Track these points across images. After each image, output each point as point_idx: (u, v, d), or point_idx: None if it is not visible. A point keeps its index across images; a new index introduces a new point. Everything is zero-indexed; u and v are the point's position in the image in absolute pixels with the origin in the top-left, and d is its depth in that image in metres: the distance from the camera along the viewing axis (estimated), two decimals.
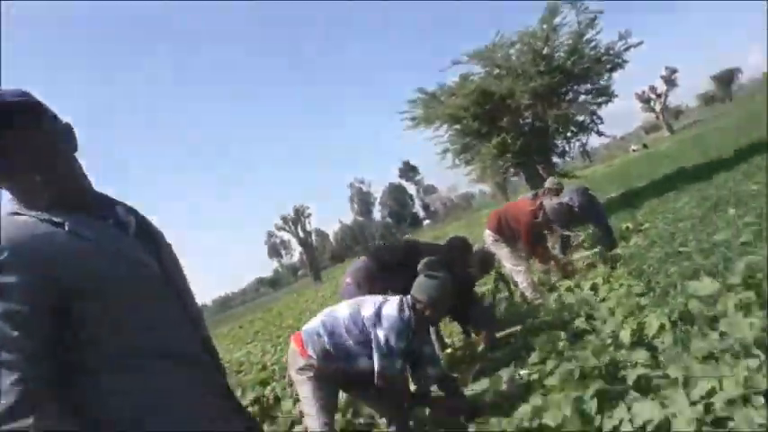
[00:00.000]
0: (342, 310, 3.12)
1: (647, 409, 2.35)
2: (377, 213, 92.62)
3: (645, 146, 50.16)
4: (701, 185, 8.70)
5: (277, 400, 5.86)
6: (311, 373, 2.99)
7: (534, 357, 3.71)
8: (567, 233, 6.89)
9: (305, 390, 2.98)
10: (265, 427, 4.88)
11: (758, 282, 3.50)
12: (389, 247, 4.74)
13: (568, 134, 13.85)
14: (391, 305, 3.06)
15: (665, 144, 33.91)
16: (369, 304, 3.11)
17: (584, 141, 14.27)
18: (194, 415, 1.33)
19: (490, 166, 13.40)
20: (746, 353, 2.75)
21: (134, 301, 1.30)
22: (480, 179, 14.30)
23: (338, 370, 3.06)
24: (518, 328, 4.83)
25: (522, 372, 3.56)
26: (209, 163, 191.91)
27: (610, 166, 35.98)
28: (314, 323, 3.12)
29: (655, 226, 7.11)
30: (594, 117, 13.95)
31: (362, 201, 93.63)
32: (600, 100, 14.06)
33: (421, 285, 3.14)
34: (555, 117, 13.10)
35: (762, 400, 2.26)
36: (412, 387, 3.45)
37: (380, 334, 2.97)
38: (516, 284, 6.26)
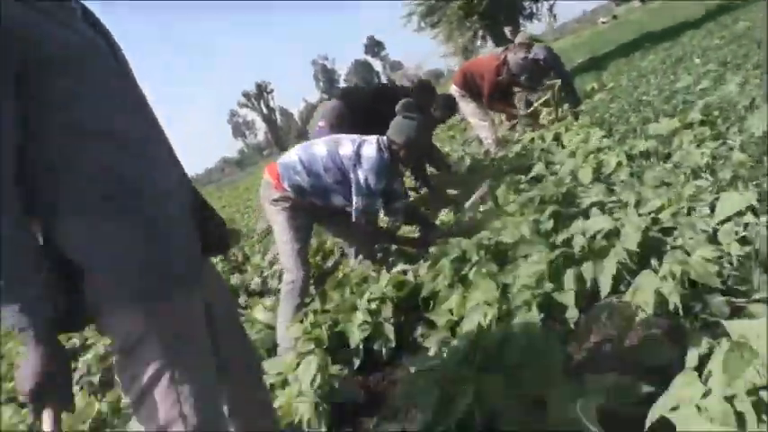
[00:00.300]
0: (319, 148, 3.11)
1: (599, 222, 2.46)
2: None
3: (614, 17, 49.00)
4: (667, 44, 8.66)
5: (246, 257, 6.02)
6: (287, 204, 3.03)
7: (498, 196, 3.81)
8: (530, 93, 6.83)
9: (279, 219, 3.04)
10: (235, 277, 5.04)
11: (713, 119, 3.59)
12: (361, 88, 4.65)
13: None
14: (370, 146, 3.08)
15: (636, 14, 33.16)
16: (346, 143, 3.11)
17: (551, 2, 13.87)
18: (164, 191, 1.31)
19: (456, 27, 12.98)
20: (696, 176, 2.88)
21: (95, 75, 1.20)
22: (448, 39, 13.83)
23: (313, 204, 3.12)
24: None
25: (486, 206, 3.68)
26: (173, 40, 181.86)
27: (579, 37, 35.27)
28: (291, 158, 3.11)
29: (619, 84, 7.13)
30: None
31: (327, 78, 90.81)
32: None
33: (398, 126, 3.16)
34: None
35: (707, 209, 2.38)
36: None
37: (361, 174, 3.02)
38: (480, 140, 6.31)
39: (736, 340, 1.34)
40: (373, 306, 2.70)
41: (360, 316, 2.66)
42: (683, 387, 1.39)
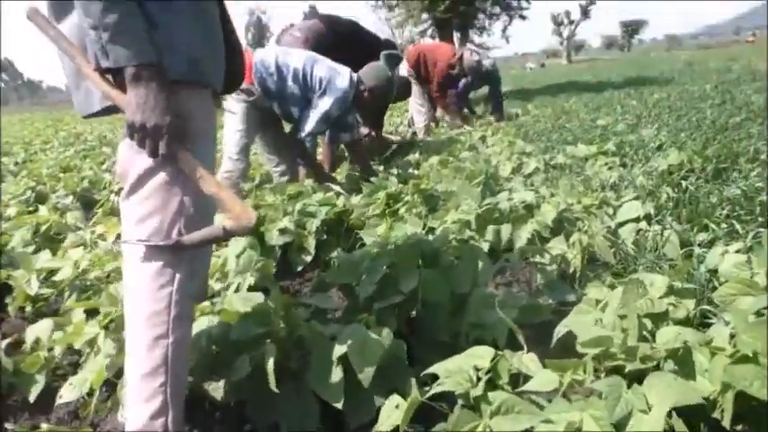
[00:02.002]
0: (295, 59, 3.24)
1: (523, 194, 2.78)
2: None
3: (543, 65, 52.04)
4: (591, 95, 9.44)
5: None
6: (248, 98, 3.11)
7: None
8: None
9: (237, 109, 3.12)
10: None
11: (626, 153, 4.07)
12: (338, 18, 4.68)
13: (495, 10, 14.05)
14: (344, 79, 3.26)
15: (561, 69, 35.46)
16: (323, 66, 3.27)
17: (506, 24, 14.65)
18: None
19: (415, 15, 13.25)
20: (603, 188, 3.29)
21: None
22: (400, 26, 14.07)
23: (269, 108, 3.22)
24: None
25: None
26: None
27: (506, 72, 37.08)
28: (268, 57, 3.21)
29: (543, 115, 7.69)
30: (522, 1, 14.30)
31: (259, 32, 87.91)
32: None
33: (373, 71, 3.37)
34: None
35: (611, 211, 2.76)
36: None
37: (325, 100, 3.20)
38: (411, 122, 6.59)
39: (636, 278, 1.66)
40: (300, 217, 2.83)
41: (285, 222, 2.77)
42: (583, 311, 1.69)
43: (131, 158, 1.25)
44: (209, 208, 1.33)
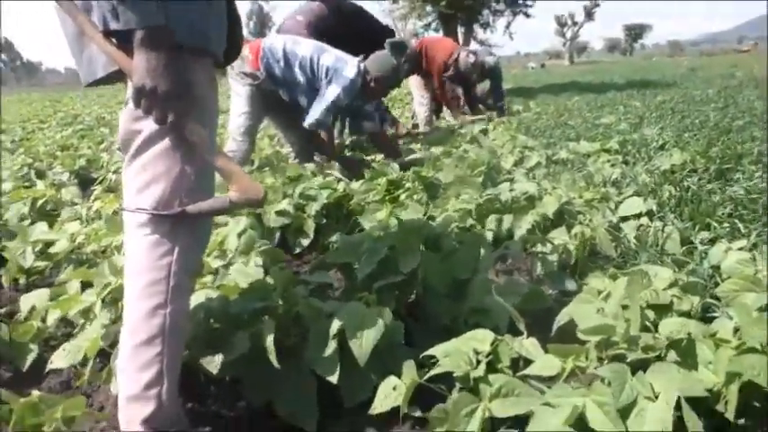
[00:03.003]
0: (303, 48, 3.24)
1: (525, 185, 2.76)
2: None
3: (543, 65, 52.00)
4: (593, 95, 9.42)
5: None
6: (254, 82, 3.10)
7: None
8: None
9: (243, 92, 3.13)
10: None
11: (628, 151, 4.06)
12: (342, 1, 4.62)
13: (499, 6, 14.04)
14: (351, 68, 3.23)
15: (563, 69, 35.46)
16: (330, 55, 3.25)
17: (510, 20, 14.66)
18: None
19: (418, 8, 13.23)
20: (604, 185, 3.28)
21: None
22: (403, 18, 14.02)
23: (276, 92, 3.20)
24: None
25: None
26: None
27: (508, 71, 37.01)
28: (276, 44, 3.21)
29: (545, 112, 7.67)
30: None
31: (260, 21, 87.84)
32: None
33: (379, 60, 3.34)
34: None
35: (613, 206, 2.75)
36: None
37: (331, 89, 3.19)
38: (414, 114, 6.56)
39: (640, 268, 1.64)
40: (299, 200, 2.80)
41: (284, 204, 2.74)
42: (585, 300, 1.67)
43: (134, 125, 1.23)
44: (209, 181, 1.31)
